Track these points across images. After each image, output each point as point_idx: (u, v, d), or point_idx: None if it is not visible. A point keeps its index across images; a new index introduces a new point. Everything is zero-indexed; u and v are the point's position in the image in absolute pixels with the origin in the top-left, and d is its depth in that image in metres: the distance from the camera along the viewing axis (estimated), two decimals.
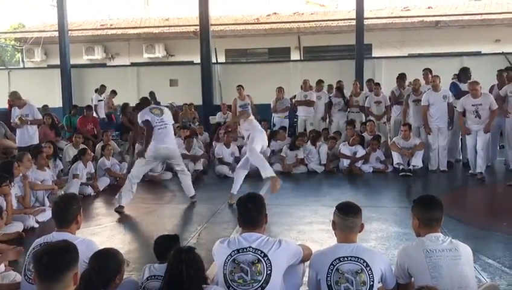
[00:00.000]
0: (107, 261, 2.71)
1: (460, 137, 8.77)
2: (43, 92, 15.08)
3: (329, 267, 2.79)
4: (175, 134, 10.27)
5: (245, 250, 2.81)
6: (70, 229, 3.17)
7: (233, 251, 2.81)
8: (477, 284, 2.97)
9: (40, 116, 8.28)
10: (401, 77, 9.80)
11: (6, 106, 12.51)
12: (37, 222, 5.53)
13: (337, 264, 2.78)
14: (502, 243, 4.76)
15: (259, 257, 2.78)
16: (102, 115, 12.72)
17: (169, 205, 6.79)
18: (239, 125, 6.97)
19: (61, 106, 14.86)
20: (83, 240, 3.12)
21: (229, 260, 2.79)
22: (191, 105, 13.01)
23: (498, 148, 8.90)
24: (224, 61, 17.48)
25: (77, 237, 3.11)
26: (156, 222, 5.75)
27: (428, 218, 2.94)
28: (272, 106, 11.01)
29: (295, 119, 11.86)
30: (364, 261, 2.77)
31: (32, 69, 18.21)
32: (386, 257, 3.03)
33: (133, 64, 17.27)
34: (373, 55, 16.24)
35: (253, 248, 2.81)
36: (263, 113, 10.83)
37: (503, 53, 10.22)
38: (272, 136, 9.41)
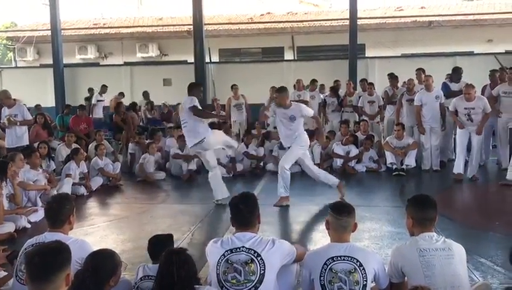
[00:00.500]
0: (102, 262, 2.66)
1: (453, 136, 8.81)
2: (36, 92, 15.00)
3: (322, 267, 2.79)
4: (168, 134, 10.32)
5: (238, 250, 2.80)
6: (62, 229, 3.15)
7: (227, 251, 2.81)
8: (470, 283, 2.99)
9: (30, 117, 8.09)
10: (394, 77, 9.84)
11: None
12: (29, 222, 5.49)
13: (331, 264, 2.78)
14: (494, 242, 4.79)
15: (252, 256, 2.78)
16: (100, 115, 12.65)
17: (163, 204, 6.77)
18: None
19: (53, 105, 14.76)
20: (76, 240, 3.10)
21: (222, 260, 2.79)
22: None
23: (490, 147, 8.95)
24: (217, 60, 17.45)
25: (70, 237, 3.10)
26: (149, 222, 5.73)
27: (422, 217, 2.95)
28: (265, 106, 10.99)
29: None
30: (357, 260, 2.78)
31: (24, 68, 18.11)
32: (379, 257, 3.03)
33: (126, 64, 17.21)
34: (366, 55, 16.28)
35: (246, 248, 2.80)
36: (257, 113, 10.83)
37: (493, 54, 10.28)
38: (266, 137, 9.42)
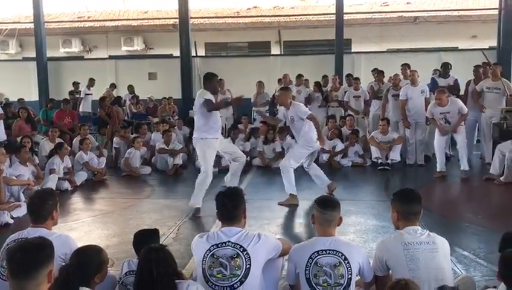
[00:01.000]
0: (87, 258, 2.65)
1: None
2: (19, 85, 14.76)
3: (308, 261, 2.80)
4: (154, 129, 10.25)
5: (224, 244, 2.79)
6: (45, 224, 3.11)
7: (212, 246, 2.80)
8: (453, 276, 3.02)
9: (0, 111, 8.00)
10: (379, 72, 9.90)
11: None
12: (12, 217, 5.44)
13: (316, 258, 2.79)
14: (477, 235, 4.86)
15: (238, 251, 2.77)
16: (88, 109, 12.50)
17: (148, 199, 6.73)
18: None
19: (37, 99, 14.55)
20: (59, 235, 3.07)
21: (208, 255, 2.78)
22: (170, 99, 12.91)
23: (474, 142, 9.06)
24: (204, 54, 17.36)
25: (53, 233, 3.06)
26: (135, 217, 5.69)
27: (407, 211, 2.97)
28: (252, 100, 10.99)
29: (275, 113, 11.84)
30: (342, 254, 2.79)
31: (6, 61, 17.74)
32: (363, 250, 3.05)
33: (111, 58, 16.99)
34: (352, 50, 16.33)
35: (232, 243, 2.80)
36: (243, 108, 10.80)
37: (481, 50, 10.38)
38: (252, 133, 9.42)
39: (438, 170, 7.58)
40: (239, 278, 2.73)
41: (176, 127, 10.09)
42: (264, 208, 5.89)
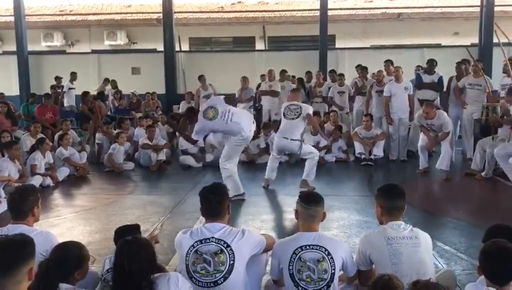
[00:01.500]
0: (67, 254, 2.61)
1: None
2: None
3: (291, 256, 2.80)
4: (137, 124, 10.15)
5: (208, 241, 2.78)
6: (26, 221, 3.05)
7: (196, 242, 2.78)
8: (434, 270, 3.06)
9: None
10: (363, 68, 9.95)
11: None
12: None
13: (300, 253, 2.80)
14: (458, 229, 4.92)
15: (222, 247, 2.76)
16: (72, 103, 12.34)
17: (131, 195, 6.66)
18: None
19: (18, 94, 14.32)
20: (40, 232, 3.02)
21: (191, 251, 2.76)
22: (154, 94, 12.82)
23: (456, 138, 9.16)
24: (188, 49, 17.25)
25: (34, 229, 3.01)
26: (117, 213, 5.64)
27: (390, 206, 2.99)
28: (236, 96, 10.95)
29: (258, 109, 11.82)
30: (325, 249, 2.80)
31: None
32: (347, 245, 3.07)
33: (93, 52, 16.80)
34: (336, 46, 16.39)
35: (216, 239, 2.79)
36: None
37: (465, 46, 10.51)
38: None
39: (420, 168, 7.63)
40: (223, 274, 2.72)
41: (159, 123, 10.02)
42: (248, 203, 5.89)
